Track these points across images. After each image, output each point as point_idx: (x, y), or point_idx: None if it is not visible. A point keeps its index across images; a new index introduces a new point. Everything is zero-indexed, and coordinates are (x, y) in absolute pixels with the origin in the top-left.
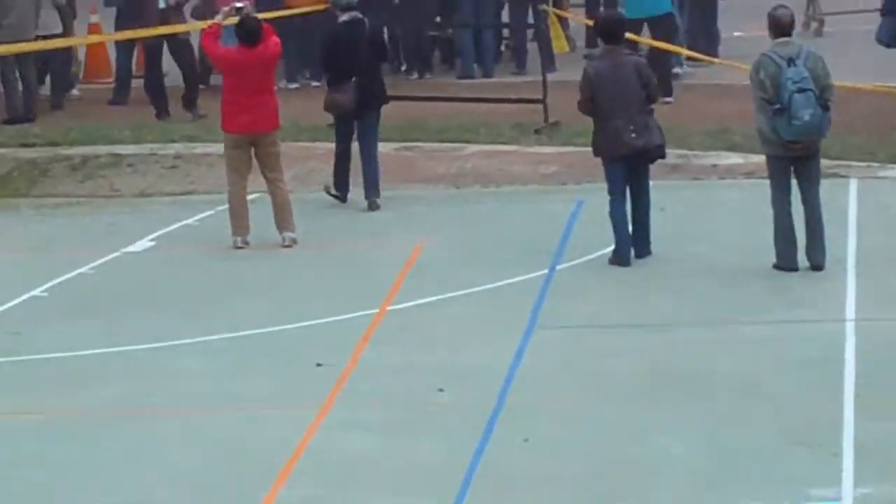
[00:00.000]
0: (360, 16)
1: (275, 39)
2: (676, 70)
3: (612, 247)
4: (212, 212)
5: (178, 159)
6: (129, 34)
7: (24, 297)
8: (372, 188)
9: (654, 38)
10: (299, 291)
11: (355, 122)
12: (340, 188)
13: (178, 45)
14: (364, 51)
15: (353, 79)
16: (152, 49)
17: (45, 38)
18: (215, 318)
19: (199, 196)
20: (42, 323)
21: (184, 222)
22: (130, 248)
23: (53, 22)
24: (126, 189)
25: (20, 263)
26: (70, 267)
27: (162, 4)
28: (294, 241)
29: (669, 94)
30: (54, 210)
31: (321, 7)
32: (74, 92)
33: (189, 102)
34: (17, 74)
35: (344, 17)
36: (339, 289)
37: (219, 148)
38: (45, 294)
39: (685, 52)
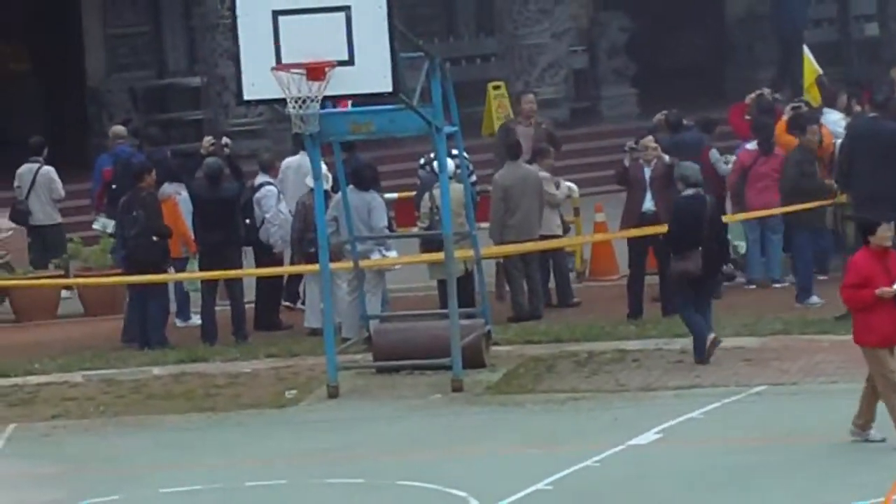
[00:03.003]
0: (702, 192)
1: None
2: None
3: None
4: (718, 404)
5: (684, 354)
6: (629, 233)
7: (530, 489)
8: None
9: None
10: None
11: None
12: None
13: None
14: (706, 222)
15: (699, 248)
16: (637, 248)
17: (544, 237)
18: None
19: (703, 389)
20: None
21: (689, 415)
22: (636, 441)
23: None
24: (631, 383)
25: (526, 457)
26: (575, 460)
27: (648, 205)
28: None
29: None
30: (560, 406)
31: None
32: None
33: None
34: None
35: (688, 192)
36: None
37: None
38: (549, 487)
39: None
